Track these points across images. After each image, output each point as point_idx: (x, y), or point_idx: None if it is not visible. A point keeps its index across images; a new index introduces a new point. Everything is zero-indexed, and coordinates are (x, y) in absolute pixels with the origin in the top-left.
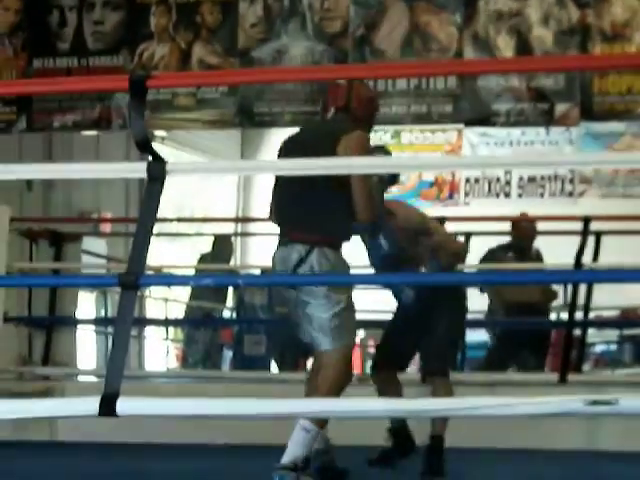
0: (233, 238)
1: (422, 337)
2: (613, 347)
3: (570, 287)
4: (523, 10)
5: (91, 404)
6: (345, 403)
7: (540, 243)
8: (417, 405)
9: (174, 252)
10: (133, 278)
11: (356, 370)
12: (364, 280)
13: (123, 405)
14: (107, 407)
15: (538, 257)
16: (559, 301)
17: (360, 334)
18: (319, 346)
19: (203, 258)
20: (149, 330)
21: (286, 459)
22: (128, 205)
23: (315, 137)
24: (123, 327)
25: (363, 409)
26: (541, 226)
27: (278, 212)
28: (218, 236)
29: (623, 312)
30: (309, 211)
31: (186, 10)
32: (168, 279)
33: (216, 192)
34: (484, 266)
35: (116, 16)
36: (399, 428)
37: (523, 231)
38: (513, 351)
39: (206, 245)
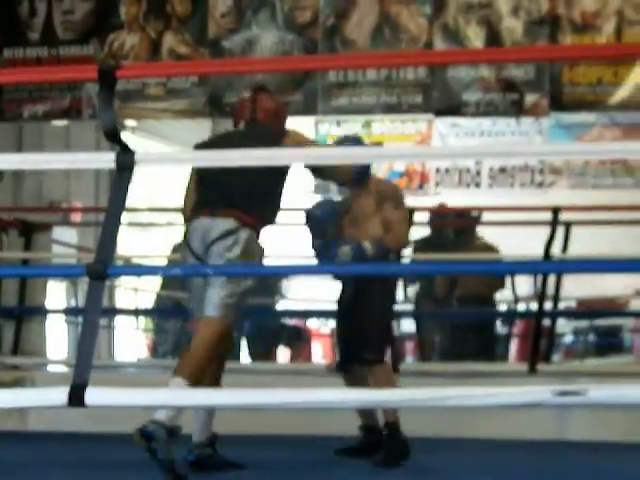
0: None
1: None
2: (582, 337)
3: (540, 277)
4: (493, 1)
5: (60, 394)
6: (315, 394)
7: (510, 233)
8: (384, 395)
9: (145, 242)
10: (101, 268)
11: (327, 359)
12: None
13: (92, 395)
14: (76, 397)
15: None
16: (529, 291)
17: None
18: (205, 311)
19: (176, 249)
20: (119, 320)
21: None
22: (98, 195)
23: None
24: (92, 317)
25: (330, 400)
26: (511, 216)
27: (204, 193)
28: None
29: (579, 302)
30: (235, 193)
31: None
32: (136, 269)
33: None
34: (442, 257)
35: (86, 5)
36: (370, 425)
37: (439, 223)
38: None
39: (178, 235)
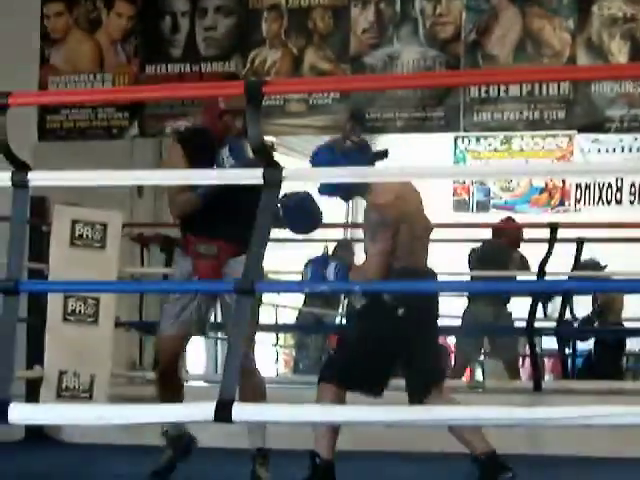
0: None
1: None
2: None
3: None
4: (637, 15)
5: (207, 409)
6: (427, 411)
7: None
8: (519, 413)
9: (282, 258)
10: (249, 284)
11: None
12: None
13: (238, 410)
14: (223, 412)
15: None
16: None
17: None
18: None
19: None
20: (259, 336)
21: None
22: None
23: None
24: (239, 332)
25: (455, 417)
26: None
27: None
28: (339, 241)
29: None
30: None
31: (298, 16)
32: (284, 285)
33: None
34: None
35: (228, 22)
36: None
37: (509, 238)
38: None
39: (315, 250)
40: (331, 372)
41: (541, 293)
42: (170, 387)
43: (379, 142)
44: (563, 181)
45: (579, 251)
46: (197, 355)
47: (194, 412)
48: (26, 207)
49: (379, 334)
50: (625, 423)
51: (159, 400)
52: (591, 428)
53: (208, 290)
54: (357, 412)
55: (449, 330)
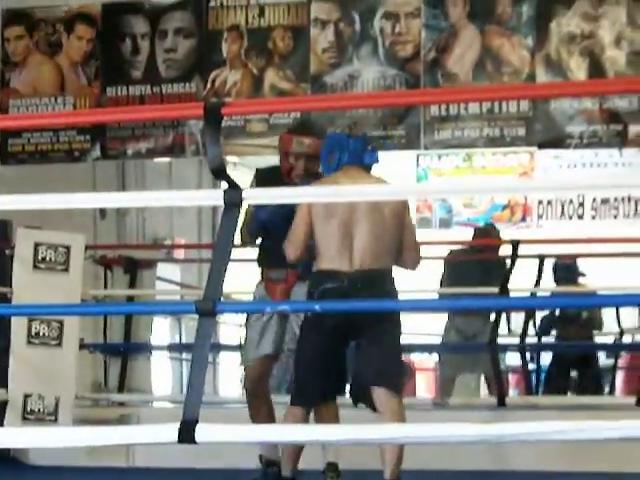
0: None
1: None
2: None
3: None
4: (595, 32)
5: (170, 431)
6: (420, 428)
7: (613, 265)
8: (488, 430)
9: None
10: (210, 305)
11: (432, 393)
12: None
13: (202, 432)
14: (186, 434)
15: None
16: (634, 323)
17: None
18: None
19: None
20: (223, 356)
21: None
22: (201, 231)
23: None
24: (201, 353)
25: (437, 434)
26: (615, 248)
27: None
28: None
29: None
30: None
31: (258, 36)
32: (245, 305)
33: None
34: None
35: (188, 43)
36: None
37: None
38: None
39: None
40: (291, 394)
41: (504, 309)
42: (262, 409)
43: None
44: (525, 197)
45: (541, 267)
46: (163, 376)
47: (158, 433)
48: None
49: (306, 343)
50: (585, 438)
51: (252, 421)
52: (551, 443)
53: (171, 312)
54: (315, 431)
55: (425, 347)
